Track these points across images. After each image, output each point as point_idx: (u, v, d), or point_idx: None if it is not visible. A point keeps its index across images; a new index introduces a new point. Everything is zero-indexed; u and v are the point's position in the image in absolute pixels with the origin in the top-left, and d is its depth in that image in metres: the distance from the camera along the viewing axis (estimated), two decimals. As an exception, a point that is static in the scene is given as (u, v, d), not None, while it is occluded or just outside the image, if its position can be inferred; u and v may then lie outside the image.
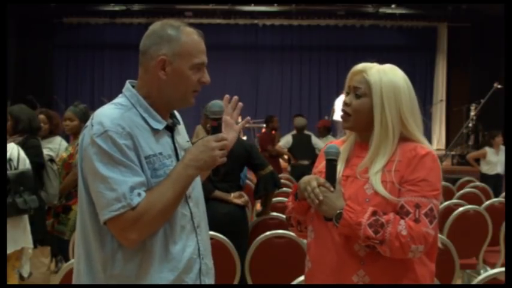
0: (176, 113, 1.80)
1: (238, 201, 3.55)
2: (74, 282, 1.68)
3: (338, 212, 1.65)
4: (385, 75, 1.74)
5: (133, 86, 1.69)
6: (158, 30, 1.65)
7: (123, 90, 1.69)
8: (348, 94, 1.80)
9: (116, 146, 1.53)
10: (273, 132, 8.34)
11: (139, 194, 1.52)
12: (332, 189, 1.69)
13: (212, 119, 1.67)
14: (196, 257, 1.67)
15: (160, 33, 1.64)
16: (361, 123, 1.77)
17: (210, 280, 1.74)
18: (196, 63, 1.64)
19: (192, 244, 1.66)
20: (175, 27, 1.64)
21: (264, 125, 8.89)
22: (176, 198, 1.57)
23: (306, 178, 1.73)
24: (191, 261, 1.65)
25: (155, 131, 1.63)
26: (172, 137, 1.70)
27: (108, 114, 1.59)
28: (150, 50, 1.63)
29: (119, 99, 1.67)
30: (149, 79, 1.65)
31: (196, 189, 1.74)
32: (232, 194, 3.51)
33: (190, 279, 1.65)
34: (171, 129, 1.70)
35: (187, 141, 1.80)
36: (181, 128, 1.80)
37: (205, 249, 1.72)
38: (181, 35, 1.63)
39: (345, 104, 1.79)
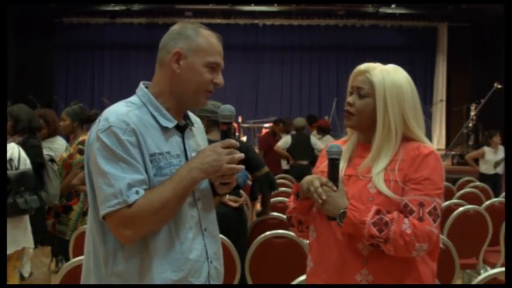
0: (193, 116, 1.81)
1: (233, 204, 3.54)
2: (82, 280, 1.68)
3: (342, 211, 1.65)
4: (388, 76, 1.74)
5: (147, 87, 1.70)
6: (177, 29, 1.68)
7: (137, 90, 1.71)
8: (351, 94, 1.80)
9: (119, 142, 1.53)
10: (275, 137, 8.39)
11: (137, 192, 1.52)
12: (335, 188, 1.69)
13: (222, 123, 1.67)
14: (204, 260, 1.66)
15: (179, 31, 1.67)
16: (364, 123, 1.77)
17: (218, 283, 1.73)
18: (210, 62, 1.65)
19: (199, 247, 1.65)
20: (194, 27, 1.68)
21: (265, 125, 8.93)
22: (176, 199, 1.56)
23: (308, 178, 1.73)
24: (198, 264, 1.64)
25: (165, 130, 1.64)
26: (183, 138, 1.69)
27: (115, 110, 1.60)
28: (168, 45, 1.66)
29: (131, 98, 1.69)
30: (163, 73, 1.66)
31: (206, 193, 1.73)
32: (228, 197, 3.50)
33: (198, 282, 1.64)
34: (182, 129, 1.70)
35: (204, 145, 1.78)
36: (198, 132, 1.79)
37: (214, 252, 1.71)
38: (199, 35, 1.66)
39: (348, 104, 1.79)
